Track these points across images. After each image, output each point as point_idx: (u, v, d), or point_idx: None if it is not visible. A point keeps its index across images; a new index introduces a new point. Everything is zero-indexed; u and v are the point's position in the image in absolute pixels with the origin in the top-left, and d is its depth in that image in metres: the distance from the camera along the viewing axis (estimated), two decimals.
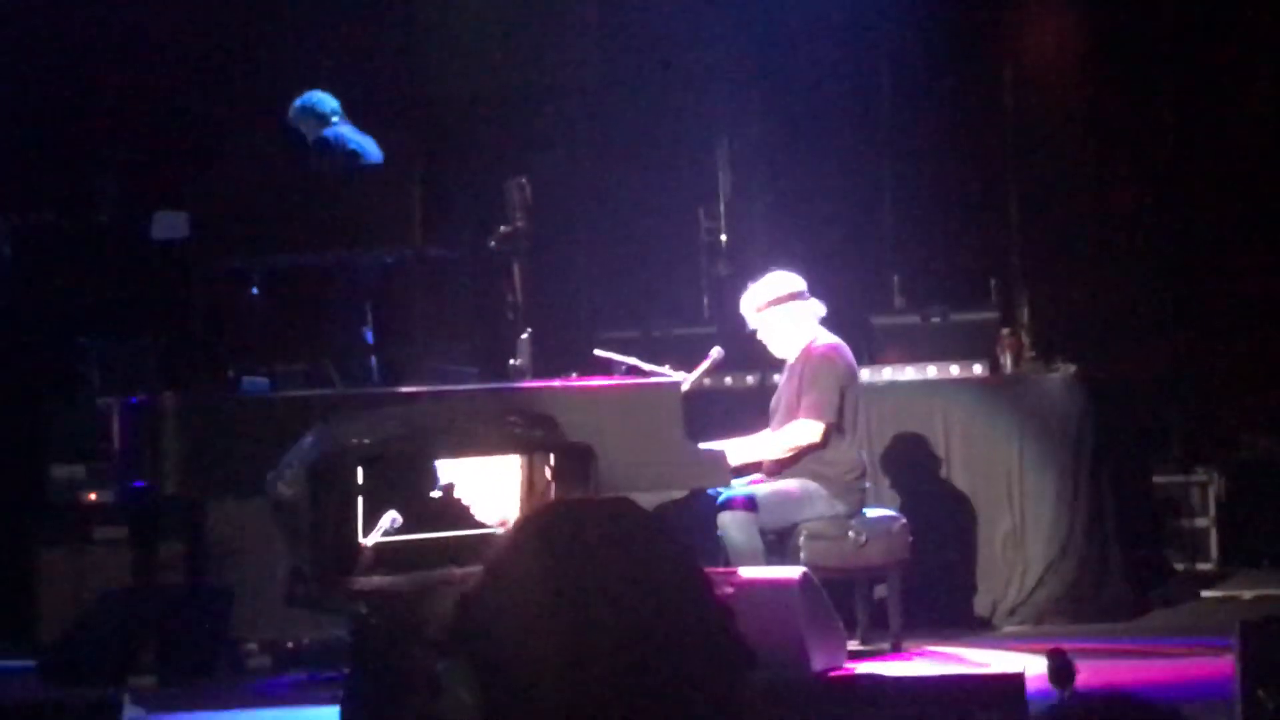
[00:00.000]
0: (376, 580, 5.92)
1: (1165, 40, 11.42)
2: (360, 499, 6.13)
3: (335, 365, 9.92)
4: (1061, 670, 5.83)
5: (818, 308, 8.69)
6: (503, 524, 6.44)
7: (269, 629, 9.14)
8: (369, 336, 10.12)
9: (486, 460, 6.62)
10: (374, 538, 6.09)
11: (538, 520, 2.24)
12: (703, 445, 8.28)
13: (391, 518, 6.10)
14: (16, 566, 9.85)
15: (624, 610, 2.13)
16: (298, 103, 10.22)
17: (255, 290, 9.91)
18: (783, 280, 8.70)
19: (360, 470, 6.14)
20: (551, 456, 6.51)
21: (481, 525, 6.41)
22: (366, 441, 6.08)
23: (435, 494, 6.33)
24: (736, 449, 8.38)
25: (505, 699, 2.12)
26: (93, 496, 9.65)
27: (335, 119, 10.15)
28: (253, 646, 8.94)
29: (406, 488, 6.22)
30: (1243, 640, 5.70)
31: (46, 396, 10.24)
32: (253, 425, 8.58)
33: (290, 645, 9.05)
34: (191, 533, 9.40)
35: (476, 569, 5.67)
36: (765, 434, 8.55)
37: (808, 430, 8.43)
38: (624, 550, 2.19)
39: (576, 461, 6.46)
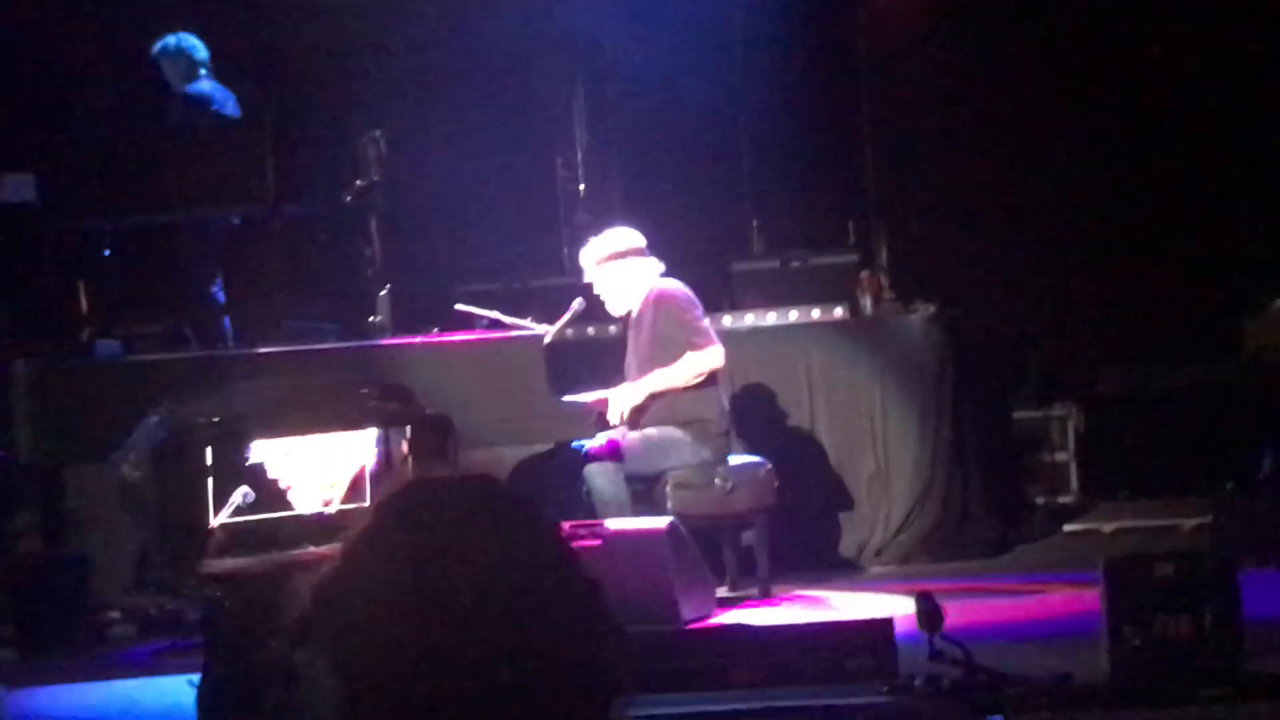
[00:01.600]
0: (229, 562, 5.77)
1: None
2: (209, 479, 5.98)
3: (191, 326, 9.78)
4: (930, 613, 5.87)
5: (657, 266, 8.63)
6: (360, 501, 6.36)
7: (130, 596, 9.01)
8: (220, 296, 9.96)
9: (340, 434, 6.50)
10: (224, 516, 5.96)
11: (395, 501, 2.17)
12: (570, 397, 8.26)
13: (243, 493, 5.99)
14: None
15: (487, 592, 2.08)
16: (171, 40, 9.94)
17: (107, 252, 9.75)
18: (623, 236, 8.65)
19: (209, 450, 6.00)
20: (408, 429, 6.40)
21: (333, 500, 6.31)
22: (215, 420, 5.94)
23: (284, 472, 6.22)
24: (640, 388, 8.32)
25: (365, 689, 2.06)
26: None
27: (203, 71, 9.94)
28: (114, 615, 8.78)
29: (258, 466, 6.10)
30: (1107, 579, 5.77)
31: None
32: (108, 389, 8.48)
33: (153, 612, 8.91)
34: (47, 500, 9.25)
35: (333, 548, 5.64)
36: (668, 367, 8.44)
37: (708, 356, 8.38)
38: (486, 530, 2.13)
39: (433, 433, 6.37)
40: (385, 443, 6.43)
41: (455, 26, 11.30)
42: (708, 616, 7.72)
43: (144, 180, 9.19)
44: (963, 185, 11.45)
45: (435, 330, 8.88)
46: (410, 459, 6.31)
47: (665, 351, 8.41)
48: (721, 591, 8.31)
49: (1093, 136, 11.45)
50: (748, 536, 8.80)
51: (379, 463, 6.44)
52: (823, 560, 9.49)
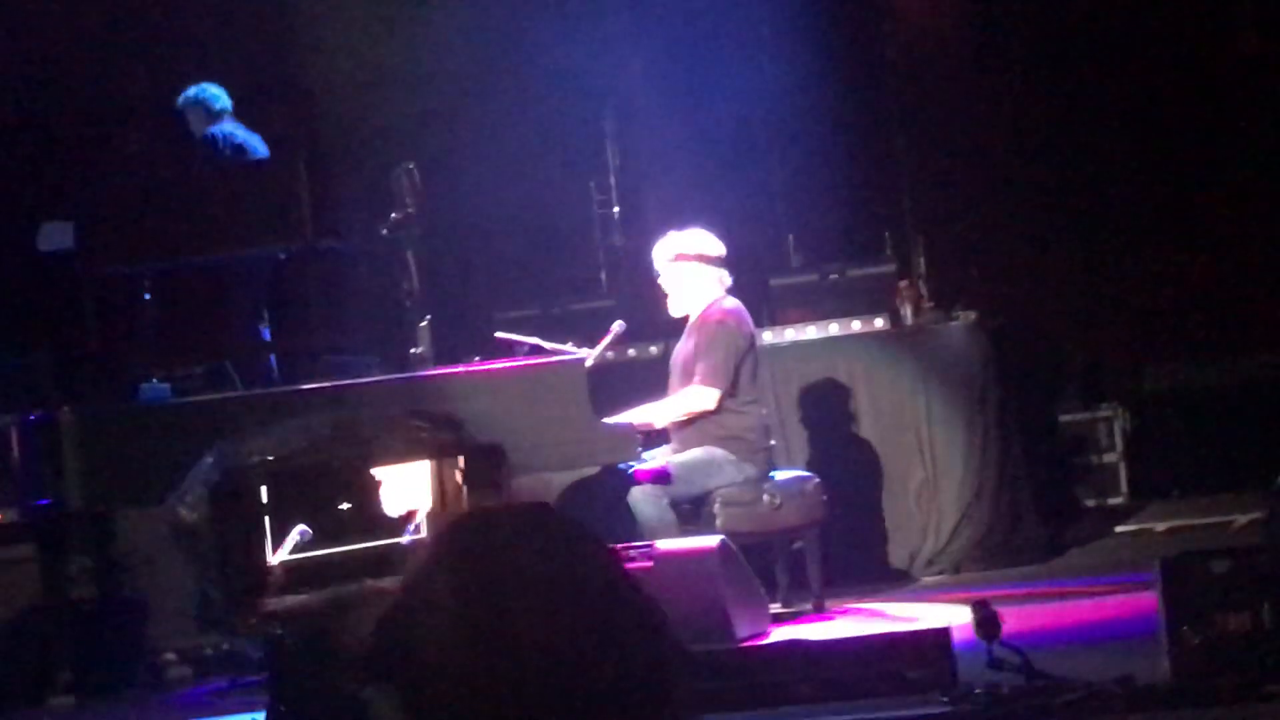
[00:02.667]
0: (290, 600, 5.78)
1: None
2: (267, 517, 5.98)
3: (235, 366, 9.81)
4: (987, 622, 5.85)
5: (726, 278, 8.66)
6: (415, 528, 6.35)
7: (186, 637, 9.03)
8: (266, 334, 10.01)
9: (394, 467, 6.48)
10: (283, 555, 5.96)
11: (453, 534, 2.18)
12: (605, 419, 8.26)
13: (300, 531, 5.99)
14: None
15: (548, 621, 2.09)
16: (190, 92, 10.13)
17: (147, 295, 9.79)
18: (703, 239, 8.67)
19: (264, 488, 6.00)
20: (460, 459, 6.39)
21: (395, 534, 6.30)
22: (269, 458, 5.94)
23: (344, 506, 6.22)
24: (631, 415, 8.35)
25: None
26: None
27: (224, 116, 10.04)
28: (171, 656, 8.80)
29: (314, 502, 6.09)
30: (1164, 578, 5.73)
31: None
32: (155, 433, 8.50)
33: (209, 652, 8.94)
34: (100, 545, 9.28)
35: (394, 581, 5.65)
36: (661, 401, 8.49)
37: (701, 396, 8.41)
38: (544, 559, 2.14)
39: (486, 463, 6.35)
40: (438, 473, 6.41)
41: (483, 54, 11.33)
42: (763, 634, 7.70)
43: (181, 223, 9.23)
44: (998, 190, 11.43)
45: (476, 359, 8.89)
46: (464, 489, 6.29)
47: (691, 374, 8.46)
48: (775, 608, 8.28)
49: (1132, 134, 11.41)
50: (798, 551, 8.79)
51: (433, 494, 6.42)
52: (874, 572, 9.47)
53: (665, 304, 8.72)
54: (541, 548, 2.15)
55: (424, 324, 8.89)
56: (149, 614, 8.76)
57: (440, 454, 6.41)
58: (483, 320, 9.81)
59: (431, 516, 6.37)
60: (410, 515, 6.43)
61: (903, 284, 10.08)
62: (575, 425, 8.03)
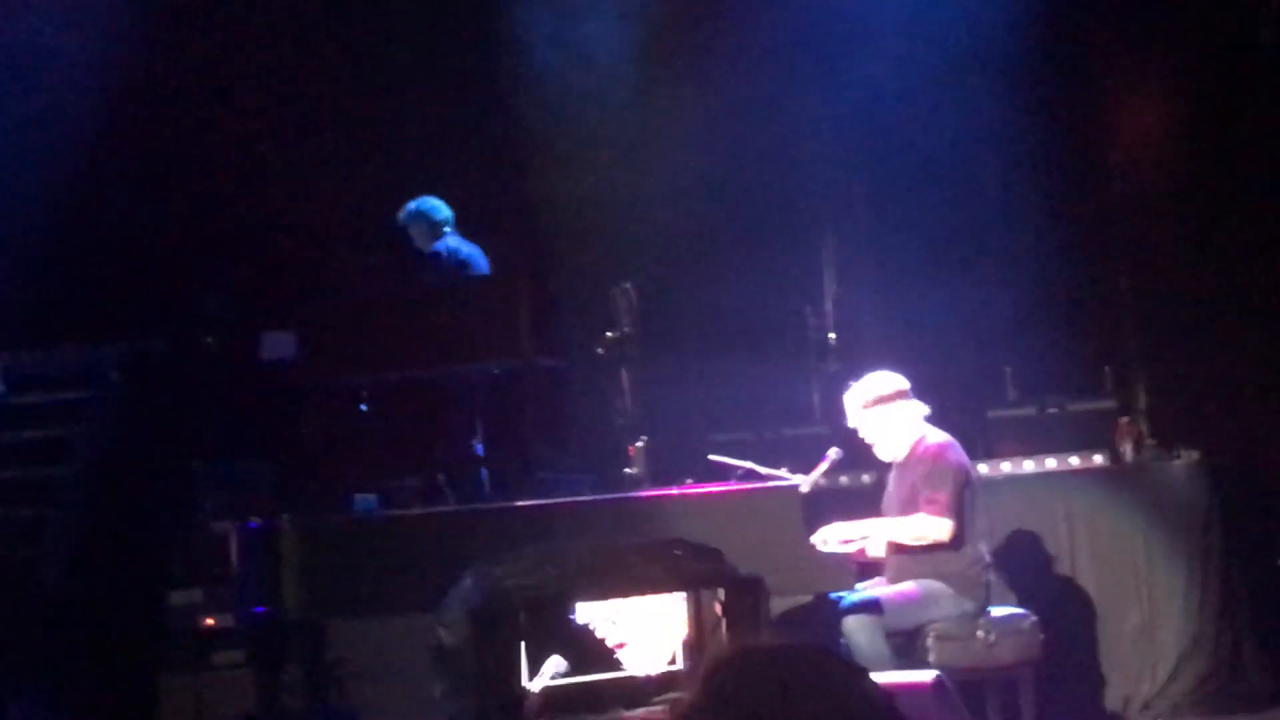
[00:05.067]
0: None
1: (1272, 112, 11.27)
2: (523, 644, 5.99)
3: (447, 479, 9.87)
4: None
5: (921, 408, 8.55)
6: (670, 662, 6.30)
7: None
8: (479, 449, 10.06)
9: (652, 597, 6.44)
10: (540, 683, 5.96)
11: (726, 668, 2.13)
12: (824, 536, 8.19)
13: (556, 662, 5.98)
14: (138, 694, 9.81)
15: None
16: (412, 206, 10.26)
17: (364, 407, 9.90)
18: (886, 380, 8.58)
19: (523, 615, 6.01)
20: (720, 591, 6.32)
21: (648, 663, 6.25)
22: (528, 583, 5.94)
23: (600, 636, 6.19)
24: (861, 528, 8.24)
25: None
26: (210, 621, 9.59)
27: (447, 229, 10.17)
28: None
29: (569, 630, 6.08)
30: None
31: (162, 522, 10.23)
32: (370, 544, 8.57)
33: None
34: (312, 655, 9.35)
35: (648, 713, 5.61)
36: (893, 520, 8.37)
37: (937, 526, 8.27)
38: (821, 698, 2.09)
39: (746, 594, 6.28)
40: (696, 604, 6.35)
41: (702, 175, 11.40)
42: None
43: (401, 337, 9.34)
44: (1221, 328, 11.20)
45: (689, 481, 8.85)
46: (723, 621, 6.23)
47: (913, 507, 8.33)
48: None
49: None
50: (1011, 690, 8.61)
51: (689, 625, 6.37)
52: (1089, 714, 9.27)
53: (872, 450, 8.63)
54: (816, 687, 2.09)
55: (640, 444, 8.89)
56: None
57: (699, 585, 6.33)
58: (695, 442, 9.77)
59: (689, 648, 6.31)
60: (667, 647, 6.39)
61: (1123, 420, 9.91)
62: (789, 551, 7.95)
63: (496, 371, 9.89)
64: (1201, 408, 10.69)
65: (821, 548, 8.18)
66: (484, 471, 9.93)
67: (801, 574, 8.08)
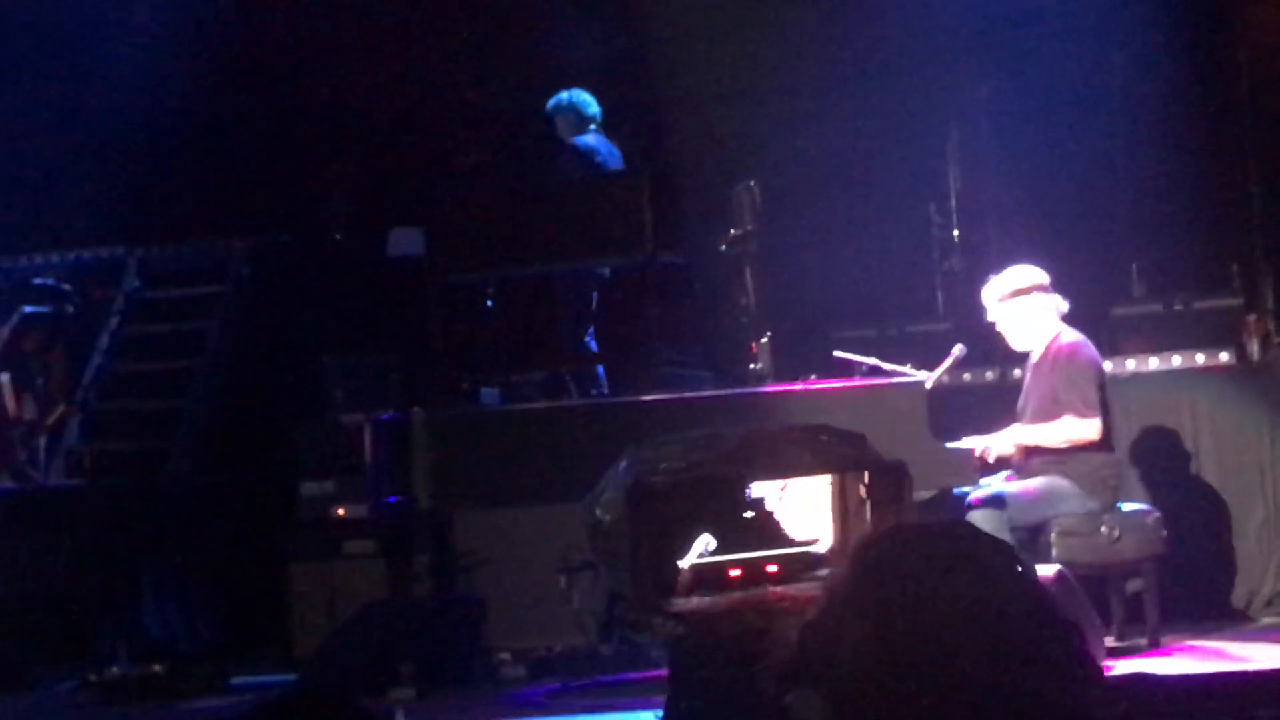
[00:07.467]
0: (695, 602, 5.91)
1: None
2: (676, 523, 6.12)
3: (572, 375, 9.97)
4: None
5: (1060, 303, 8.53)
6: (815, 542, 6.38)
7: (521, 637, 9.22)
8: (593, 345, 10.15)
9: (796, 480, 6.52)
10: (690, 559, 6.08)
11: (876, 549, 2.19)
12: (953, 443, 8.22)
13: (706, 541, 6.09)
14: (270, 583, 10.02)
15: (974, 637, 2.08)
16: (564, 96, 10.22)
17: (490, 303, 10.00)
18: (1026, 273, 8.56)
19: (675, 495, 6.12)
20: (865, 475, 6.39)
21: (794, 543, 6.33)
22: (681, 465, 6.03)
23: (748, 514, 6.28)
24: (1007, 436, 8.27)
25: None
26: (341, 512, 9.76)
27: (593, 126, 10.16)
28: (505, 656, 8.98)
29: (719, 510, 6.17)
30: None
31: (292, 415, 10.39)
32: (496, 438, 8.70)
33: (543, 653, 9.11)
34: (439, 545, 9.51)
35: (799, 588, 5.70)
36: (1038, 425, 8.36)
37: (1084, 427, 8.25)
38: (969, 576, 2.14)
39: (890, 479, 6.34)
40: (841, 488, 6.42)
41: (825, 71, 11.36)
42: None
43: (526, 233, 9.41)
44: None
45: (813, 377, 8.89)
46: (868, 505, 6.29)
47: (1055, 408, 8.31)
48: (1109, 641, 8.15)
49: None
50: (1133, 584, 8.63)
51: (835, 508, 6.44)
52: (1211, 610, 9.24)
53: (1005, 344, 8.62)
54: (964, 565, 2.15)
55: (764, 340, 8.94)
56: (486, 613, 8.94)
57: (845, 468, 6.41)
58: (818, 339, 9.80)
59: (838, 530, 6.38)
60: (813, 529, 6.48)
61: (1250, 318, 9.83)
62: (914, 447, 7.98)
63: (609, 271, 9.95)
64: None
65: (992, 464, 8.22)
66: (600, 369, 10.02)
67: (927, 469, 8.09)
